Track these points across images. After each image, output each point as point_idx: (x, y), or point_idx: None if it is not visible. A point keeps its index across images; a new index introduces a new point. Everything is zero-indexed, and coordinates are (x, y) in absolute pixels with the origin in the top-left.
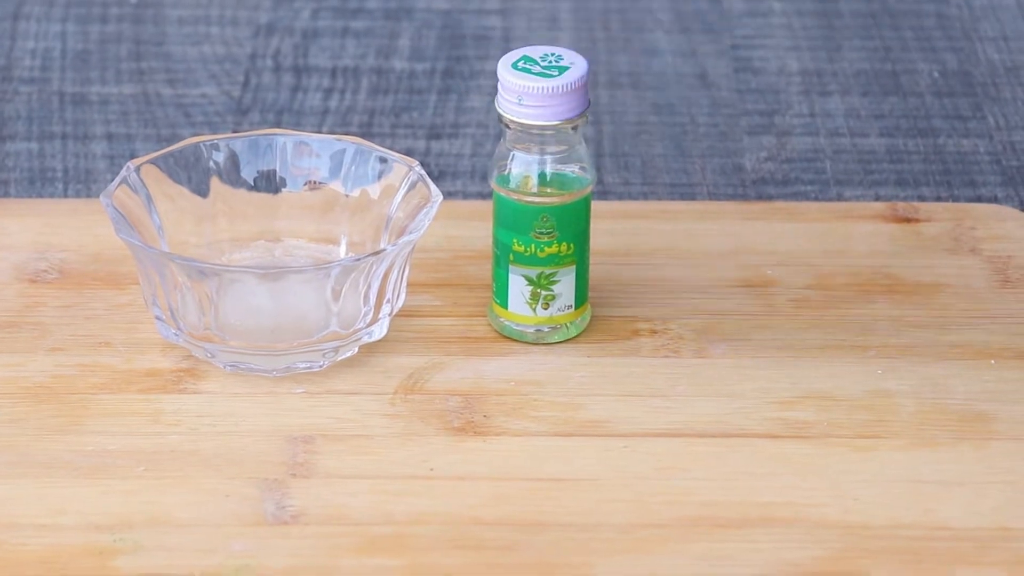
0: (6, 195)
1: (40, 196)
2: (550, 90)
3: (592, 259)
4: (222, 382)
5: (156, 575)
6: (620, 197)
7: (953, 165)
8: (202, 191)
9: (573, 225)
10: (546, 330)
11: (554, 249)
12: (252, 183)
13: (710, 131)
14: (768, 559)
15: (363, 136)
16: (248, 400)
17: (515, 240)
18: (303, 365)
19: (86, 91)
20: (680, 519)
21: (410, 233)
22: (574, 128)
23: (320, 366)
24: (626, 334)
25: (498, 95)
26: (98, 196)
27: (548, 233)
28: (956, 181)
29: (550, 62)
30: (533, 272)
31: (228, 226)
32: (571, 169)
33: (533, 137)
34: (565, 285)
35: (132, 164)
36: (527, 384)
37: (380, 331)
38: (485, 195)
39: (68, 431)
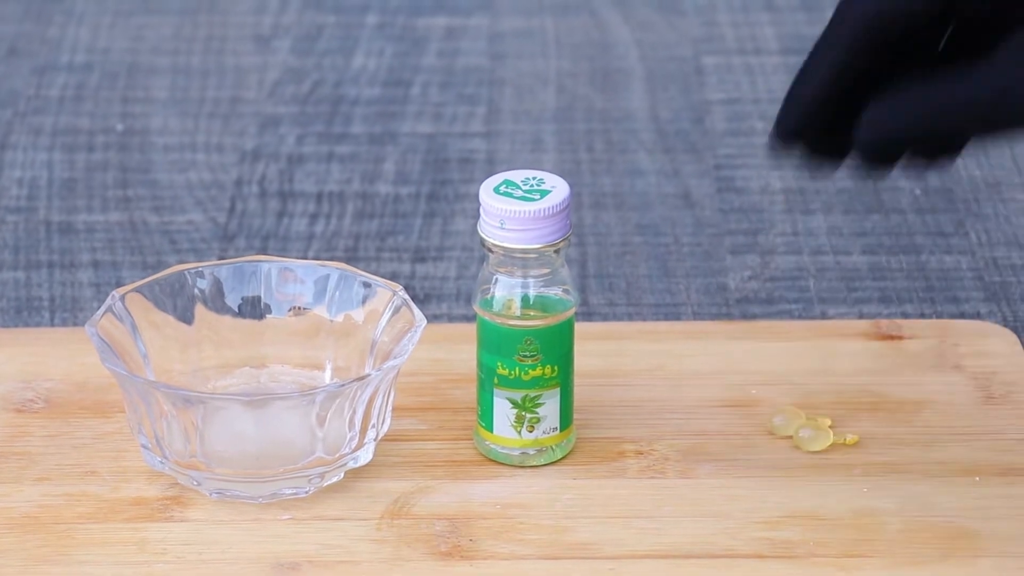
0: None
1: (26, 325)
2: (532, 214)
3: (577, 380)
4: (208, 509)
5: None
6: (605, 318)
7: (936, 282)
8: (187, 318)
9: (557, 348)
10: (531, 453)
11: (538, 372)
12: (237, 310)
13: (694, 251)
14: None
15: (348, 260)
16: (234, 527)
17: (499, 363)
18: (289, 491)
19: (72, 219)
20: None
21: (395, 358)
22: (556, 251)
23: (306, 492)
24: (612, 455)
25: (480, 219)
26: (84, 325)
27: (532, 356)
28: (939, 298)
29: (532, 186)
30: (518, 395)
31: (213, 353)
32: (554, 292)
33: (516, 261)
34: (550, 407)
35: (117, 293)
36: (513, 507)
37: (366, 456)
38: (470, 318)
39: (55, 562)
